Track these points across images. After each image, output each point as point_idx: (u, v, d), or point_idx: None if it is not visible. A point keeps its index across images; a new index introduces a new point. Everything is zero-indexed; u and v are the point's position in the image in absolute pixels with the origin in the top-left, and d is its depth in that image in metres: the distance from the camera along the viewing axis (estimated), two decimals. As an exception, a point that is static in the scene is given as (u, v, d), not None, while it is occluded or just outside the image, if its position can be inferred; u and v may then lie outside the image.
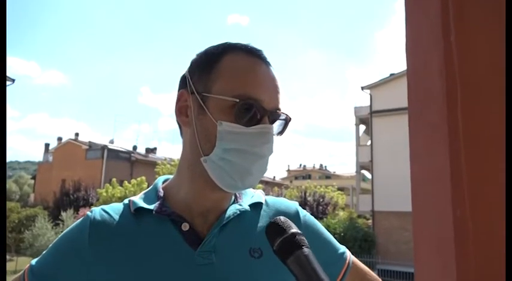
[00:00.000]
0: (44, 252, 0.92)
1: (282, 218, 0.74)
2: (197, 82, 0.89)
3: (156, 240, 0.86)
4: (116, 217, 0.90)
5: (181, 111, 0.91)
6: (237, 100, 0.83)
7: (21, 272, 0.91)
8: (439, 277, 0.47)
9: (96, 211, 0.91)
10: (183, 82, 0.92)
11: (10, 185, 48.37)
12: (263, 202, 0.98)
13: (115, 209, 0.92)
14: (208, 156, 0.85)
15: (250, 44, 0.91)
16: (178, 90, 0.93)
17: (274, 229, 0.73)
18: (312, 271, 0.66)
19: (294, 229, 0.71)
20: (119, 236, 0.86)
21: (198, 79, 0.89)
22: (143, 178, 23.39)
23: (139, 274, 0.83)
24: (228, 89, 0.85)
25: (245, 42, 0.92)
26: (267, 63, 0.91)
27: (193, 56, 0.94)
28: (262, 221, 0.93)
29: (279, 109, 0.89)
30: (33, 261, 0.92)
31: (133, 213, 0.89)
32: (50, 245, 0.93)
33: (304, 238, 0.71)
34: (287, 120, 0.91)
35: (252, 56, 0.89)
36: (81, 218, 0.93)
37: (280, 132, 0.92)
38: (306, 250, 0.68)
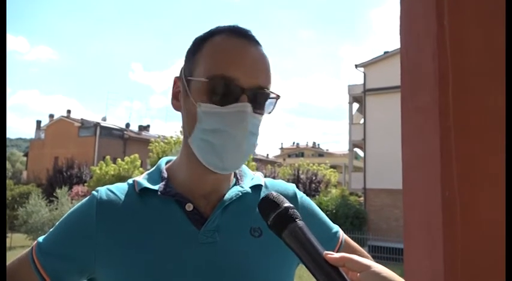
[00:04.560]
0: (51, 230, 0.94)
1: (274, 193, 0.75)
2: (185, 68, 0.92)
3: (162, 219, 0.88)
4: (122, 197, 0.91)
5: (175, 96, 0.94)
6: (207, 80, 0.84)
7: (28, 249, 0.93)
8: (427, 254, 0.49)
9: (102, 191, 0.93)
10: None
11: (2, 162, 48.00)
12: (263, 184, 1.00)
13: (120, 188, 0.94)
14: (190, 137, 0.88)
15: (236, 25, 0.91)
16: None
17: (268, 204, 0.73)
18: (307, 242, 0.67)
19: (287, 203, 0.72)
20: (125, 215, 0.88)
21: (185, 64, 0.92)
22: (136, 155, 23.37)
23: (145, 252, 0.85)
24: (204, 70, 0.86)
25: (232, 22, 0.92)
26: (253, 42, 0.90)
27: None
28: None
29: (261, 87, 0.87)
30: (40, 238, 0.93)
31: (138, 193, 0.91)
32: (57, 223, 0.94)
33: (297, 211, 0.72)
34: (276, 99, 0.90)
35: (235, 36, 0.89)
36: (87, 197, 0.94)
37: (269, 111, 0.92)
38: (299, 222, 0.70)
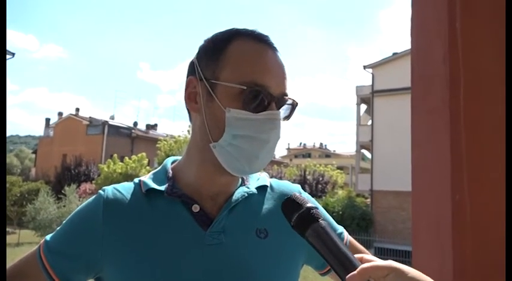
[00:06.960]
0: (58, 228, 0.94)
1: (297, 194, 0.77)
2: (205, 69, 0.90)
3: (168, 220, 0.89)
4: (128, 196, 0.92)
5: (190, 97, 0.92)
6: (245, 87, 0.84)
7: (35, 249, 0.93)
8: (436, 258, 0.48)
9: (108, 190, 0.93)
10: (192, 68, 0.93)
11: (11, 159, 48.51)
12: (268, 185, 1.01)
13: (126, 188, 0.94)
14: (217, 142, 0.87)
15: (257, 30, 0.92)
16: (187, 77, 0.94)
17: (291, 205, 0.75)
18: (330, 241, 0.69)
19: (309, 204, 0.74)
20: (131, 214, 0.89)
21: (206, 66, 0.90)
22: (144, 154, 23.48)
23: (151, 253, 0.85)
24: (235, 76, 0.86)
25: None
26: (274, 49, 0.92)
27: (201, 42, 0.95)
28: (268, 203, 0.97)
29: (286, 94, 0.91)
30: (48, 237, 0.94)
31: (145, 193, 0.91)
32: (64, 221, 0.95)
33: (320, 211, 0.74)
34: (294, 105, 0.93)
35: (258, 41, 0.90)
36: (93, 196, 0.94)
37: (287, 117, 0.94)
38: (322, 222, 0.71)
